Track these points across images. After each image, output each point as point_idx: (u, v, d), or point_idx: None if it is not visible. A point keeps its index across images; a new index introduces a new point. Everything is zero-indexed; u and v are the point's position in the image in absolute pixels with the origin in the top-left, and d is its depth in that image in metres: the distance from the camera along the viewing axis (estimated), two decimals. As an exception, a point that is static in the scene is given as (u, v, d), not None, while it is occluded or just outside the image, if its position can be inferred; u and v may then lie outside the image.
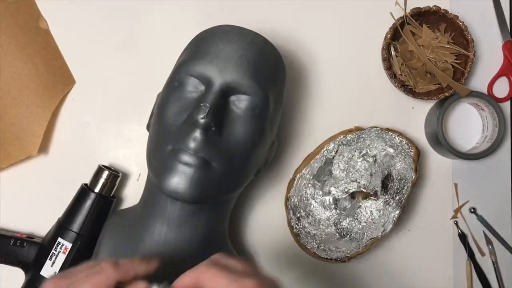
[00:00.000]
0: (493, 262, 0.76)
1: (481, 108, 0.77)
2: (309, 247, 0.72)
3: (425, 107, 0.77)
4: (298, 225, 0.73)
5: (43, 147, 0.74)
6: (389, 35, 0.73)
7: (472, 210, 0.77)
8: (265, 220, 0.76)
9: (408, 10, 0.73)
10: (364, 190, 0.70)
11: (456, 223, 0.77)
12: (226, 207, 0.65)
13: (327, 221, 0.72)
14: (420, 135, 0.78)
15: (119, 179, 0.71)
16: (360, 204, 0.72)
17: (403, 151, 0.72)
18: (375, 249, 0.75)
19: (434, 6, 0.73)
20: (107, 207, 0.70)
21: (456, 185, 0.77)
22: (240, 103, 0.59)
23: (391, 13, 0.74)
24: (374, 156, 0.72)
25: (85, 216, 0.67)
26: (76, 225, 0.67)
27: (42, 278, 0.66)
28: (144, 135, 0.72)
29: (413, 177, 0.72)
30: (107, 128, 0.76)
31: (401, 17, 0.73)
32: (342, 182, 0.71)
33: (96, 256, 0.64)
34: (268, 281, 0.46)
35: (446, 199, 0.77)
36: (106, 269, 0.45)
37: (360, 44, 0.78)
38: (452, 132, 0.78)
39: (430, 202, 0.77)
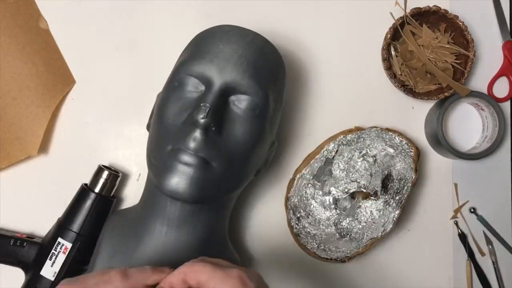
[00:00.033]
0: (493, 262, 0.76)
1: (481, 108, 0.77)
2: (309, 247, 0.72)
3: (425, 107, 0.77)
4: (298, 225, 0.73)
5: (43, 147, 0.74)
6: (389, 35, 0.73)
7: (472, 210, 0.77)
8: (265, 220, 0.76)
9: (408, 10, 0.74)
10: (364, 190, 0.70)
11: (456, 223, 0.77)
12: (226, 207, 0.65)
13: (327, 221, 0.72)
14: (420, 135, 0.78)
15: (119, 179, 0.71)
16: (360, 204, 0.72)
17: (403, 151, 0.72)
18: (375, 249, 0.75)
19: (434, 6, 0.73)
20: (107, 207, 0.70)
21: (456, 185, 0.77)
22: (240, 103, 0.59)
23: (391, 13, 0.74)
24: (374, 156, 0.72)
25: (85, 216, 0.67)
26: (76, 225, 0.67)
27: (42, 278, 0.66)
28: (144, 135, 0.72)
29: (413, 177, 0.72)
30: (107, 128, 0.76)
31: (401, 17, 0.73)
32: (342, 182, 0.71)
33: (96, 256, 0.64)
34: (251, 272, 0.47)
35: (446, 199, 0.77)
36: (115, 279, 0.45)
37: (360, 44, 0.78)
38: (452, 132, 0.78)
39: (430, 202, 0.77)
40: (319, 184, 0.72)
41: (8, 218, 0.74)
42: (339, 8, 0.78)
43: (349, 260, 0.72)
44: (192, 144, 0.55)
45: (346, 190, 0.71)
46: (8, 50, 0.72)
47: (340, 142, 0.72)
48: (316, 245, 0.72)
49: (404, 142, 0.72)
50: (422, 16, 0.74)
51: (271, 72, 0.62)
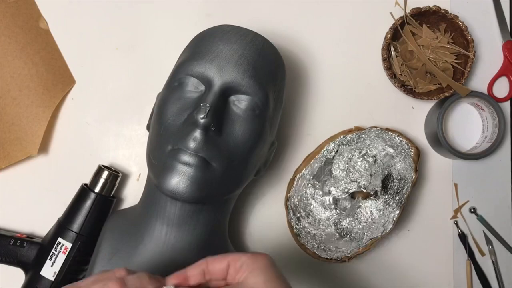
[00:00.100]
0: (493, 262, 0.76)
1: (481, 108, 0.77)
2: (309, 247, 0.72)
3: (425, 107, 0.77)
4: (298, 225, 0.73)
5: (43, 147, 0.74)
6: (389, 35, 0.73)
7: (472, 210, 0.77)
8: (265, 220, 0.76)
9: (408, 10, 0.74)
10: (364, 190, 0.70)
11: (456, 223, 0.77)
12: (226, 207, 0.65)
13: (327, 221, 0.72)
14: (420, 135, 0.78)
15: (119, 179, 0.71)
16: (360, 204, 0.72)
17: (403, 151, 0.72)
18: (375, 249, 0.75)
19: (434, 6, 0.73)
20: (107, 207, 0.70)
21: (456, 185, 0.77)
22: (240, 103, 0.59)
23: (391, 13, 0.74)
24: (374, 156, 0.72)
25: (85, 216, 0.67)
26: (76, 225, 0.67)
27: (42, 278, 0.66)
28: (144, 135, 0.72)
29: (413, 177, 0.72)
30: (107, 128, 0.76)
31: (401, 17, 0.73)
32: (342, 182, 0.71)
33: (96, 256, 0.64)
34: (260, 254, 0.48)
35: (446, 199, 0.77)
36: (113, 282, 0.44)
37: (360, 44, 0.78)
38: (452, 132, 0.78)
39: (430, 202, 0.77)
40: (319, 184, 0.72)
41: (8, 218, 0.74)
42: (339, 8, 0.78)
43: (349, 260, 0.72)
44: (192, 144, 0.56)
45: (346, 190, 0.71)
46: (8, 50, 0.72)
47: (340, 142, 0.72)
48: (316, 245, 0.72)
49: (404, 142, 0.72)
50: (422, 16, 0.74)
51: (271, 72, 0.62)
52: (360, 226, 0.72)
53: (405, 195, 0.72)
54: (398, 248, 0.77)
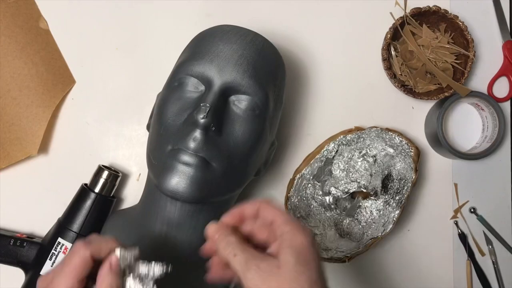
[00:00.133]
0: (493, 262, 0.76)
1: (481, 108, 0.77)
2: (309, 247, 0.72)
3: (425, 107, 0.77)
4: (298, 225, 0.72)
5: (43, 147, 0.74)
6: (389, 35, 0.73)
7: (472, 210, 0.77)
8: (265, 220, 0.75)
9: (408, 10, 0.74)
10: (364, 190, 0.70)
11: (456, 223, 0.77)
12: (226, 207, 0.65)
13: (327, 221, 0.72)
14: (420, 135, 0.78)
15: (119, 179, 0.71)
16: (360, 204, 0.72)
17: (403, 151, 0.72)
18: (375, 249, 0.75)
19: (434, 6, 0.73)
20: (107, 207, 0.70)
21: (456, 185, 0.77)
22: (240, 103, 0.59)
23: (391, 13, 0.74)
24: (374, 156, 0.72)
25: (85, 216, 0.67)
26: (76, 225, 0.67)
27: (42, 278, 0.66)
28: (144, 135, 0.72)
29: (413, 177, 0.72)
30: (107, 128, 0.76)
31: (401, 17, 0.73)
32: (342, 182, 0.71)
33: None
34: (300, 232, 0.48)
35: (446, 199, 0.77)
36: (78, 248, 0.47)
37: (360, 44, 0.78)
38: (452, 132, 0.78)
39: (430, 202, 0.77)
40: (319, 184, 0.72)
41: (8, 218, 0.74)
42: (339, 8, 0.78)
43: (349, 260, 0.72)
44: (192, 144, 0.56)
45: (346, 190, 0.71)
46: (8, 50, 0.72)
47: (340, 142, 0.72)
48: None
49: (404, 142, 0.72)
50: (422, 16, 0.74)
51: (271, 72, 0.62)
52: (360, 226, 0.72)
53: (405, 195, 0.72)
54: (398, 248, 0.77)
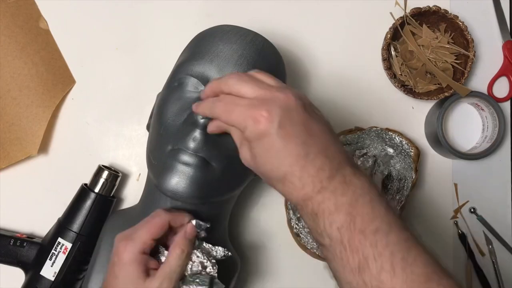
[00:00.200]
0: (493, 262, 0.76)
1: (481, 108, 0.77)
2: (309, 247, 0.72)
3: (425, 107, 0.77)
4: (298, 225, 0.72)
5: (43, 147, 0.74)
6: (389, 35, 0.73)
7: (472, 210, 0.77)
8: (265, 220, 0.75)
9: (408, 10, 0.74)
10: (364, 190, 0.70)
11: (456, 223, 0.77)
12: (226, 207, 0.65)
13: (327, 221, 0.72)
14: (420, 135, 0.78)
15: (119, 179, 0.71)
16: (360, 204, 0.72)
17: (403, 151, 0.72)
18: (375, 249, 0.75)
19: (434, 6, 0.73)
20: (107, 207, 0.70)
21: (456, 185, 0.77)
22: (240, 103, 0.59)
23: (391, 13, 0.74)
24: (374, 156, 0.72)
25: (85, 216, 0.67)
26: (76, 225, 0.67)
27: (42, 278, 0.66)
28: (144, 135, 0.72)
29: (413, 177, 0.72)
30: (107, 128, 0.76)
31: (401, 17, 0.73)
32: (342, 182, 0.71)
33: (96, 256, 0.64)
34: (300, 96, 0.49)
35: (446, 199, 0.77)
36: (160, 212, 0.55)
37: (360, 44, 0.78)
38: (452, 132, 0.78)
39: (430, 202, 0.77)
40: (319, 184, 0.72)
41: (8, 218, 0.74)
42: (339, 8, 0.78)
43: (349, 260, 0.72)
44: (192, 144, 0.55)
45: (346, 190, 0.71)
46: (8, 50, 0.72)
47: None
48: (316, 245, 0.72)
49: (404, 142, 0.72)
50: (422, 16, 0.74)
51: (271, 72, 0.62)
52: (360, 226, 0.72)
53: (405, 195, 0.72)
54: (398, 248, 0.76)
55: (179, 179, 0.56)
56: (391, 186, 0.72)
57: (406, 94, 0.74)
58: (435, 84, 0.75)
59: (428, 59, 0.73)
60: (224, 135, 0.58)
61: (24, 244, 0.68)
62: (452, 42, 0.75)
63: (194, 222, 0.56)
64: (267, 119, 0.46)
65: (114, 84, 0.76)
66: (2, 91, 0.71)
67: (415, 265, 0.43)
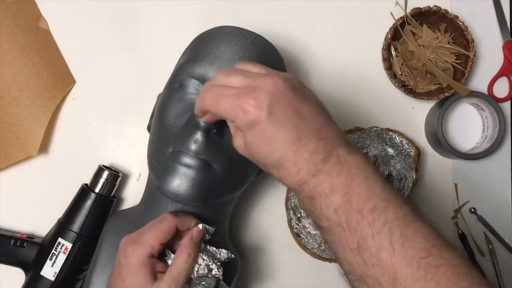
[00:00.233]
0: (493, 262, 0.76)
1: (481, 108, 0.77)
2: (309, 247, 0.72)
3: (425, 107, 0.77)
4: (298, 225, 0.72)
5: (43, 147, 0.74)
6: (389, 35, 0.73)
7: (472, 210, 0.77)
8: (265, 220, 0.75)
9: (408, 10, 0.74)
10: (364, 190, 0.70)
11: (456, 223, 0.77)
12: (227, 208, 0.65)
13: (327, 221, 0.72)
14: (420, 135, 0.78)
15: (119, 179, 0.71)
16: (360, 204, 0.72)
17: (403, 151, 0.72)
18: (375, 249, 0.75)
19: (434, 6, 0.73)
20: (107, 207, 0.70)
21: (456, 185, 0.77)
22: (241, 104, 0.59)
23: (391, 13, 0.74)
24: (374, 156, 0.72)
25: (85, 216, 0.67)
26: (76, 225, 0.67)
27: (42, 278, 0.66)
28: (145, 135, 0.72)
29: (413, 177, 0.72)
30: (107, 128, 0.76)
31: (401, 17, 0.73)
32: (342, 182, 0.71)
33: (97, 257, 0.64)
34: (288, 78, 0.49)
35: (446, 199, 0.77)
36: (168, 216, 0.55)
37: (360, 44, 0.78)
38: (452, 132, 0.78)
39: (430, 202, 0.77)
40: (319, 184, 0.72)
41: (8, 218, 0.73)
42: (339, 8, 0.78)
43: (349, 260, 0.72)
44: (193, 146, 0.55)
45: (346, 190, 0.71)
46: (8, 50, 0.72)
47: (340, 142, 0.72)
48: (317, 245, 0.72)
49: (404, 142, 0.72)
50: (423, 16, 0.74)
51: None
52: (360, 226, 0.72)
53: (405, 195, 0.72)
54: (398, 248, 0.76)
55: (180, 181, 0.56)
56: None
57: (406, 94, 0.74)
58: (436, 84, 0.75)
59: (429, 59, 0.73)
60: (225, 137, 0.58)
61: (24, 244, 0.68)
62: (452, 42, 0.75)
63: (200, 226, 0.57)
64: (255, 107, 0.46)
65: (114, 84, 0.76)
66: (2, 91, 0.71)
67: (415, 240, 0.43)
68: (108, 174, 0.69)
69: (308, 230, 0.72)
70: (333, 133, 0.48)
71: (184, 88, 0.60)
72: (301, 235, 0.72)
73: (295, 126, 0.46)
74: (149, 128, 0.67)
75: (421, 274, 0.42)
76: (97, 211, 0.68)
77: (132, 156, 0.75)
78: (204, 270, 0.55)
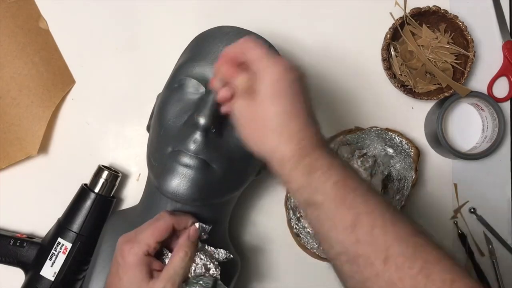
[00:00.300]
0: (493, 262, 0.76)
1: (481, 108, 0.77)
2: (309, 247, 0.72)
3: (425, 107, 0.77)
4: (298, 225, 0.73)
5: (43, 147, 0.74)
6: (389, 35, 0.73)
7: (472, 210, 0.77)
8: (265, 220, 0.75)
9: (408, 10, 0.74)
10: (364, 190, 0.70)
11: (456, 223, 0.77)
12: (226, 208, 0.65)
13: (327, 221, 0.72)
14: (420, 135, 0.78)
15: (119, 179, 0.71)
16: (360, 204, 0.72)
17: (403, 151, 0.72)
18: (375, 249, 0.75)
19: (434, 6, 0.73)
20: (107, 207, 0.70)
21: (456, 185, 0.77)
22: (241, 104, 0.59)
23: (391, 13, 0.74)
24: (374, 156, 0.72)
25: (85, 216, 0.67)
26: (76, 225, 0.67)
27: (42, 278, 0.66)
28: (144, 135, 0.72)
29: (413, 177, 0.72)
30: (107, 128, 0.76)
31: (401, 17, 0.73)
32: (342, 182, 0.71)
33: (96, 257, 0.64)
34: (275, 65, 0.50)
35: (446, 199, 0.77)
36: (164, 215, 0.56)
37: (360, 44, 0.78)
38: (452, 132, 0.78)
39: (430, 202, 0.77)
40: (319, 184, 0.72)
41: (8, 218, 0.74)
42: (339, 8, 0.78)
43: (349, 260, 0.72)
44: (192, 146, 0.55)
45: (346, 190, 0.71)
46: (8, 50, 0.72)
47: (340, 142, 0.72)
48: (316, 245, 0.72)
49: (404, 142, 0.72)
50: (422, 16, 0.74)
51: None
52: (360, 226, 0.72)
53: (405, 195, 0.72)
54: (398, 248, 0.76)
55: (179, 181, 0.56)
56: (391, 186, 0.72)
57: (406, 94, 0.74)
58: (435, 84, 0.75)
59: (428, 59, 0.73)
60: (224, 137, 0.58)
61: (24, 244, 0.68)
62: (452, 42, 0.75)
63: (197, 225, 0.56)
64: (286, 67, 0.50)
65: (114, 84, 0.76)
66: (2, 91, 0.71)
67: (403, 222, 0.47)
68: (107, 174, 0.69)
69: (308, 230, 0.72)
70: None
71: (183, 88, 0.60)
72: (300, 235, 0.72)
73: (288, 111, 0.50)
74: (148, 128, 0.67)
75: (411, 251, 0.44)
76: (96, 211, 0.68)
77: (132, 156, 0.75)
78: (202, 269, 0.55)
